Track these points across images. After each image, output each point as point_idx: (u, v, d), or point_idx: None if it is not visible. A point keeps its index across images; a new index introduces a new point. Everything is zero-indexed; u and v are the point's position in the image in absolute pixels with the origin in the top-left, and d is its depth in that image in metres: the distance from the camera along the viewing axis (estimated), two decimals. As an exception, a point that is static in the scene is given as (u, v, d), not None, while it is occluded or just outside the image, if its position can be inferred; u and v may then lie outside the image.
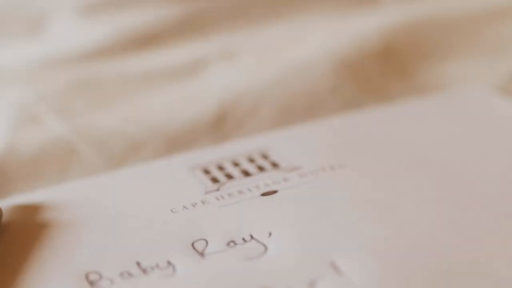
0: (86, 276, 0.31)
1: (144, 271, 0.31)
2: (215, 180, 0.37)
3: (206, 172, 0.38)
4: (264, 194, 0.36)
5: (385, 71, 0.49)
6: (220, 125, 0.44)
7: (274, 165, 0.38)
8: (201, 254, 0.32)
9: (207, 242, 0.33)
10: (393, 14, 0.55)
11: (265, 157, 0.39)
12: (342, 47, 0.50)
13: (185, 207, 0.35)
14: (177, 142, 0.42)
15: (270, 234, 0.33)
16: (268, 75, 0.48)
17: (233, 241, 0.33)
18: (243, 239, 0.33)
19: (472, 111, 0.44)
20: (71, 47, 0.53)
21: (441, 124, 0.42)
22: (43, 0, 0.59)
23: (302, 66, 0.49)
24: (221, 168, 0.38)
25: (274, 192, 0.36)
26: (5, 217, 0.36)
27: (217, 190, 0.36)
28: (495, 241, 0.32)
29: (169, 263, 0.32)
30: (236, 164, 0.38)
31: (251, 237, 0.33)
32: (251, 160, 0.38)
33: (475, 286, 0.30)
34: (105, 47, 0.52)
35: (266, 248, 0.32)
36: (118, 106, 0.46)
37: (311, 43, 0.52)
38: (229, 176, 0.37)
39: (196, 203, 0.36)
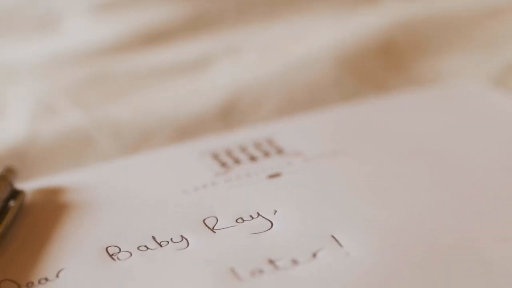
0: (106, 249, 0.34)
1: (160, 244, 0.34)
2: (223, 164, 0.39)
3: (215, 157, 0.40)
4: (269, 177, 0.38)
5: (383, 65, 0.51)
6: (226, 115, 0.46)
7: (279, 150, 0.40)
8: (212, 229, 0.35)
9: (217, 219, 0.35)
10: (391, 12, 0.56)
11: (270, 143, 0.41)
12: (343, 44, 0.52)
13: (196, 189, 0.38)
14: (186, 131, 0.44)
15: (275, 211, 0.35)
16: (271, 69, 0.50)
17: (241, 218, 0.35)
18: (250, 216, 0.35)
19: (465, 103, 0.45)
20: (84, 44, 0.54)
21: (436, 114, 0.44)
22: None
23: (304, 61, 0.51)
24: (229, 153, 0.40)
25: (279, 175, 0.38)
26: (28, 199, 0.38)
27: (226, 173, 0.39)
28: (484, 222, 0.34)
29: (182, 237, 0.34)
30: (243, 150, 0.40)
31: (258, 214, 0.35)
32: (257, 146, 0.41)
33: (464, 261, 0.32)
34: (116, 44, 0.54)
35: (271, 223, 0.35)
36: (130, 98, 0.48)
37: (313, 40, 0.54)
38: (237, 161, 0.40)
39: (206, 185, 0.38)
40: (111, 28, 0.56)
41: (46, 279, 0.33)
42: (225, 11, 0.58)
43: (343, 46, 0.52)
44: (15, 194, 0.38)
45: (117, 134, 0.44)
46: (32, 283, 0.32)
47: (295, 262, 0.32)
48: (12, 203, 0.37)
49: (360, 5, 0.58)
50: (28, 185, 0.39)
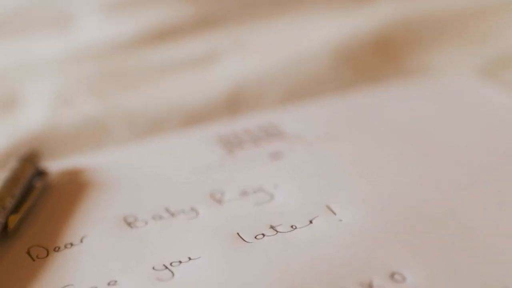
0: (124, 219, 0.38)
1: (172, 214, 0.38)
2: (229, 147, 0.43)
3: (221, 140, 0.43)
4: (271, 157, 0.42)
5: (378, 59, 0.54)
6: (232, 104, 0.49)
7: (280, 135, 0.44)
8: (219, 201, 0.38)
9: (223, 193, 0.39)
10: (386, 10, 0.59)
11: (272, 128, 0.44)
12: (340, 39, 0.55)
13: (204, 168, 0.41)
14: (194, 118, 0.47)
15: (276, 186, 0.39)
16: (274, 63, 0.53)
17: (245, 192, 0.39)
18: (254, 190, 0.39)
19: (453, 92, 0.48)
20: (98, 41, 0.57)
21: (425, 103, 0.47)
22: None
23: (305, 55, 0.54)
24: (234, 137, 0.44)
25: (280, 155, 0.42)
26: (51, 179, 0.41)
27: (231, 155, 0.42)
28: (465, 195, 0.37)
29: (192, 208, 0.38)
30: (247, 134, 0.44)
31: (260, 188, 0.39)
32: (260, 131, 0.44)
33: (446, 227, 0.35)
34: (129, 41, 0.57)
35: (273, 196, 0.38)
36: (143, 89, 0.51)
37: (312, 36, 0.57)
38: (241, 144, 0.43)
39: (213, 165, 0.41)
40: (123, 26, 0.59)
41: (71, 244, 0.36)
42: (230, 10, 0.61)
43: (341, 41, 0.55)
44: (39, 174, 0.41)
45: (131, 122, 0.48)
46: (59, 247, 0.36)
47: (293, 227, 0.36)
48: (37, 183, 0.40)
49: (357, 4, 0.60)
50: (51, 167, 0.42)
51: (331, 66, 0.53)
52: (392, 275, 0.32)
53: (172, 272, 0.34)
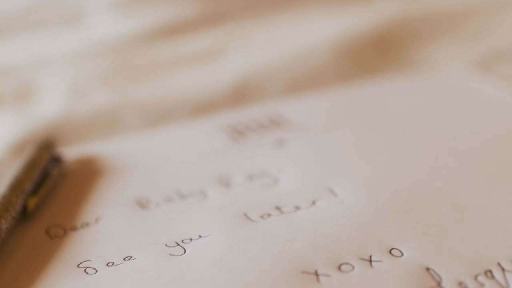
0: (137, 201, 0.40)
1: (183, 197, 0.40)
2: (235, 134, 0.45)
3: (228, 128, 0.45)
4: (276, 144, 0.44)
5: (378, 53, 0.56)
6: (237, 95, 0.51)
7: (284, 123, 0.46)
8: (227, 184, 0.40)
9: (231, 176, 0.41)
10: (385, 7, 0.61)
11: (276, 117, 0.46)
12: (342, 34, 0.57)
13: (212, 155, 0.43)
14: (202, 108, 0.50)
15: (280, 170, 0.41)
16: (277, 56, 0.55)
17: (251, 176, 0.41)
18: (259, 174, 0.41)
19: (448, 84, 0.50)
20: (109, 37, 0.59)
21: (421, 94, 0.49)
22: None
23: (307, 50, 0.56)
24: (240, 126, 0.46)
25: (284, 142, 0.44)
26: (67, 165, 0.43)
27: (238, 142, 0.44)
28: (458, 178, 0.40)
29: (201, 191, 0.40)
30: (252, 123, 0.46)
31: (266, 172, 0.41)
32: (265, 120, 0.46)
33: (440, 207, 0.37)
34: (138, 37, 0.59)
35: (277, 180, 0.40)
36: (153, 82, 0.53)
37: (315, 31, 0.59)
38: (247, 132, 0.45)
39: (221, 152, 0.44)
40: (132, 23, 0.61)
41: (87, 224, 0.38)
42: (236, 7, 0.63)
43: (341, 37, 0.56)
44: (55, 161, 0.43)
45: (143, 112, 0.50)
46: (75, 227, 0.38)
47: (297, 208, 0.38)
48: (53, 169, 0.42)
49: (357, 1, 0.62)
50: (66, 154, 0.44)
51: (332, 59, 0.54)
52: (390, 251, 0.35)
53: (184, 248, 0.36)
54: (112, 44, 0.59)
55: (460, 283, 0.33)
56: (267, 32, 0.59)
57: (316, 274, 0.34)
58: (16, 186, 0.39)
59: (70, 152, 0.45)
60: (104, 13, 0.63)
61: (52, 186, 0.42)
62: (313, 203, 0.38)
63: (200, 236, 0.36)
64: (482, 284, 0.33)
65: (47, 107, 0.51)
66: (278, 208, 0.38)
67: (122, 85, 0.53)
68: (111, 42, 0.59)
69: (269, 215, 0.37)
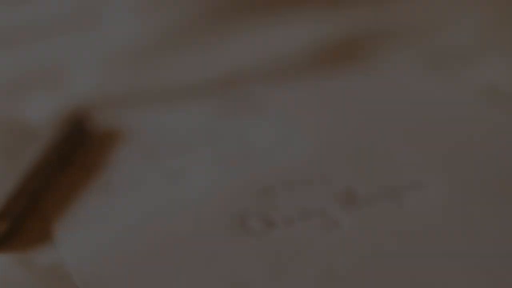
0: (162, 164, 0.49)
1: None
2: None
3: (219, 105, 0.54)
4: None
5: (345, 54, 0.61)
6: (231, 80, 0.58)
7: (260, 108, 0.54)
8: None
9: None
10: (354, 16, 0.66)
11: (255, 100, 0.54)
12: (316, 39, 0.62)
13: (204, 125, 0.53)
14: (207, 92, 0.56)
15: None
16: (264, 55, 0.61)
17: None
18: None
19: (401, 83, 0.57)
20: (126, 39, 0.63)
21: (378, 90, 0.56)
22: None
23: (287, 51, 0.61)
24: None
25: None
26: (94, 135, 0.49)
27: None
28: (392, 132, 0.49)
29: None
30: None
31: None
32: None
33: (378, 154, 0.47)
34: (152, 40, 0.63)
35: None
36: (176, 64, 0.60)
37: (295, 36, 0.63)
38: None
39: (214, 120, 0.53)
40: (145, 27, 0.65)
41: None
42: (234, 15, 0.67)
43: (317, 40, 0.62)
44: (82, 131, 0.48)
45: (163, 90, 0.57)
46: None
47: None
48: (78, 138, 0.48)
49: (330, 12, 0.67)
50: (93, 126, 0.50)
51: (308, 58, 0.60)
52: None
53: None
54: (128, 46, 0.62)
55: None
56: (247, 38, 0.64)
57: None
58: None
59: (97, 125, 0.50)
60: (120, 16, 0.66)
61: (77, 155, 0.48)
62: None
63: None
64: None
65: (77, 87, 0.56)
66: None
67: (142, 74, 0.59)
68: (127, 44, 0.62)
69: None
